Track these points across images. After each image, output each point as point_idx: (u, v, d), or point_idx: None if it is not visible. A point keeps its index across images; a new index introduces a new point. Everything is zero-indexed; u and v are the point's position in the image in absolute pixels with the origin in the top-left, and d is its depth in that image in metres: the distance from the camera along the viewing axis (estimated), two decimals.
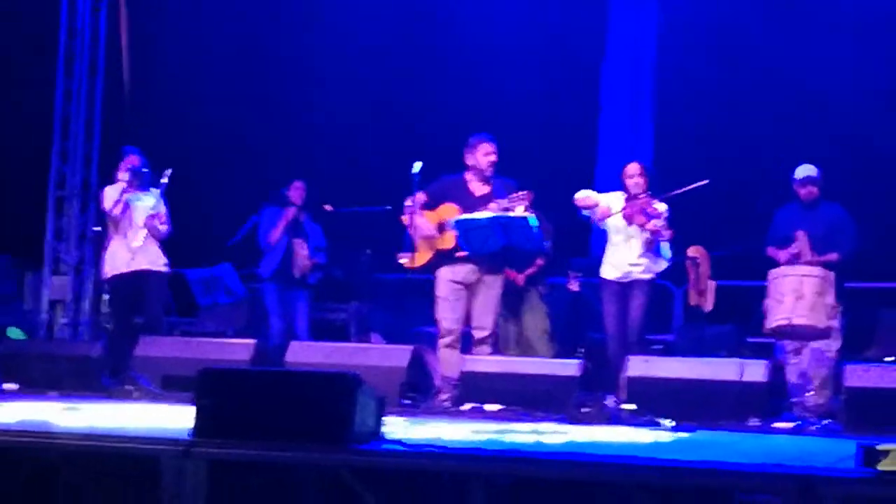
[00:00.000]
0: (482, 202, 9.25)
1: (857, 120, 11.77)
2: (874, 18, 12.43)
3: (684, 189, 9.45)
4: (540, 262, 10.26)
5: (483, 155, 9.37)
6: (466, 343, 9.39)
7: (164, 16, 13.85)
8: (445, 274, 9.37)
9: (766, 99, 12.85)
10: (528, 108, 13.47)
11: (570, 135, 13.17)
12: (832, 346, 8.89)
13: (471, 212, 9.19)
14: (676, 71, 13.54)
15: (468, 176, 9.47)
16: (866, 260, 9.43)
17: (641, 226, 9.23)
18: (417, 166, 9.54)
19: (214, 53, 14.19)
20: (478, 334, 9.35)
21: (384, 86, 13.99)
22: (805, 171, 9.31)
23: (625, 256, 9.37)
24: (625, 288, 9.34)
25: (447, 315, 9.34)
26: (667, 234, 9.20)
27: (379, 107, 13.83)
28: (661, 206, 9.29)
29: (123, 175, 10.23)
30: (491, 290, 9.39)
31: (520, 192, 9.09)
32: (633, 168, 9.51)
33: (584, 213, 9.53)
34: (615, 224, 9.42)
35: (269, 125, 14.27)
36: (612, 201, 9.43)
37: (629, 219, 9.31)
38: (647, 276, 9.31)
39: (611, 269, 9.46)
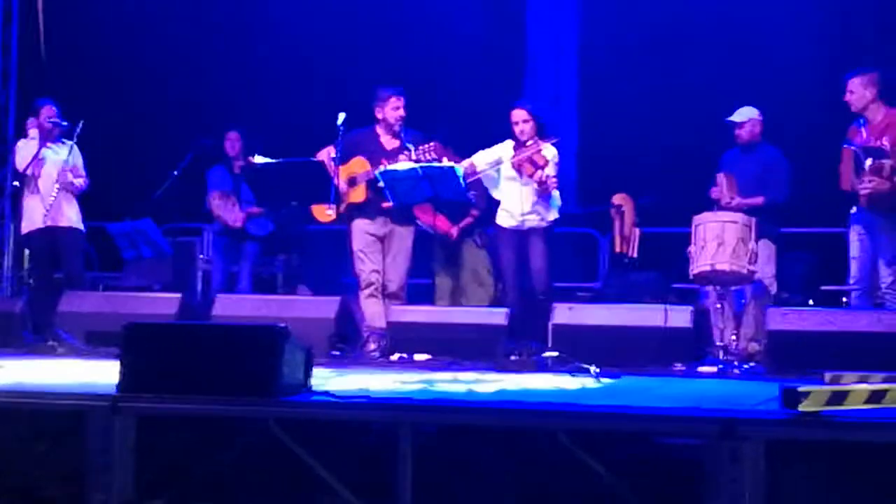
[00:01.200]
0: (392, 155, 9.37)
1: (789, 69, 11.83)
2: None
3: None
4: (474, 213, 10.29)
5: (392, 109, 9.47)
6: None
7: None
8: (359, 226, 9.51)
9: (696, 40, 12.85)
10: (453, 59, 13.45)
11: (496, 84, 13.13)
12: (762, 291, 9.03)
13: (378, 165, 9.26)
14: (601, 13, 13.54)
15: (378, 129, 9.58)
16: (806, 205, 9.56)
17: (530, 175, 9.27)
18: (342, 117, 9.56)
19: None
20: (389, 287, 9.49)
21: (312, 34, 13.88)
22: (738, 114, 9.38)
23: (518, 205, 9.40)
24: (521, 237, 9.39)
25: (364, 267, 9.49)
26: (552, 182, 9.25)
27: (305, 57, 13.73)
28: (549, 153, 9.30)
29: (33, 132, 10.15)
30: (403, 242, 9.55)
31: (427, 144, 9.17)
32: (517, 114, 9.42)
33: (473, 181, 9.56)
34: (507, 172, 9.42)
35: (192, 74, 14.12)
36: (503, 151, 9.47)
37: (518, 169, 9.34)
38: (543, 224, 9.37)
39: (506, 216, 9.48)
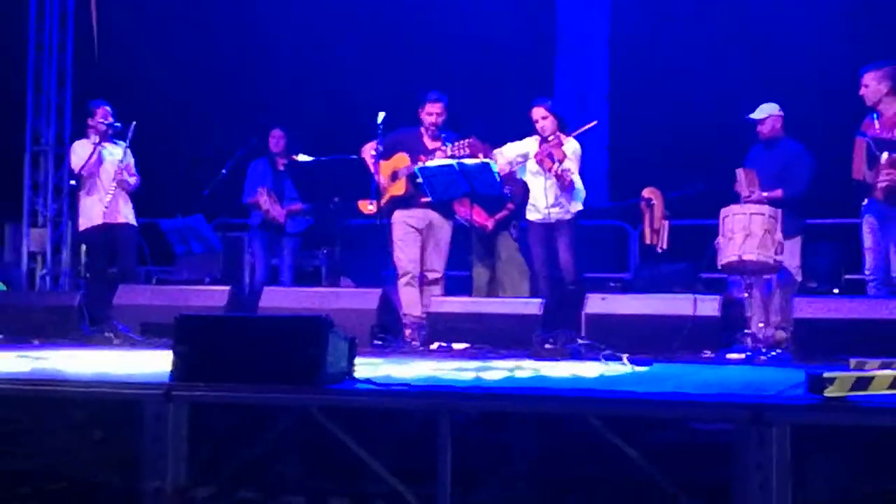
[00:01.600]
0: (432, 153, 9.47)
1: (815, 64, 11.77)
2: None
3: (580, 129, 9.55)
4: (510, 206, 10.29)
5: (426, 114, 9.61)
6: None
7: None
8: (399, 217, 9.62)
9: (723, 36, 12.82)
10: (487, 57, 13.46)
11: (527, 80, 13.12)
12: (789, 280, 9.00)
13: (417, 162, 9.34)
14: (632, 14, 13.52)
15: (422, 129, 9.68)
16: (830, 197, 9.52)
17: (548, 170, 9.30)
18: (381, 116, 9.65)
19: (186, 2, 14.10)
20: (429, 276, 9.63)
21: (353, 37, 13.91)
22: (758, 111, 9.39)
23: (543, 199, 9.44)
24: (548, 230, 9.43)
25: (402, 256, 9.61)
26: (568, 175, 9.27)
27: (345, 57, 13.76)
28: (570, 147, 9.34)
29: (94, 131, 10.20)
30: (441, 234, 9.65)
31: (463, 140, 9.22)
32: (536, 112, 9.57)
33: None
34: (531, 167, 9.54)
35: (241, 75, 14.20)
36: (529, 146, 9.51)
37: (540, 163, 9.41)
38: (568, 217, 9.38)
39: (533, 211, 9.62)
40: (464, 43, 13.38)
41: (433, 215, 9.62)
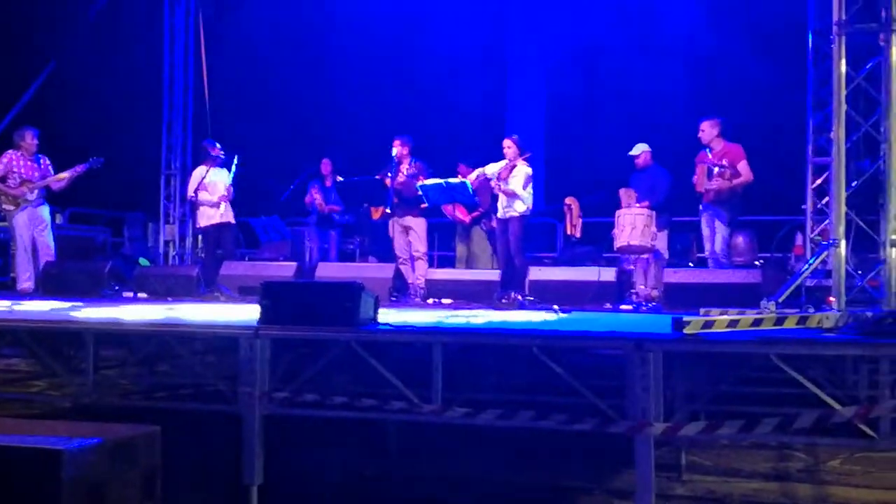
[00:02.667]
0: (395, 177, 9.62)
1: (676, 118, 11.82)
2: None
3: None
4: (481, 209, 10.30)
5: (393, 148, 9.68)
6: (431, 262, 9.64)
7: (228, 46, 13.62)
8: (393, 222, 9.73)
9: (617, 104, 12.88)
10: (464, 112, 13.49)
11: (483, 127, 13.15)
12: (659, 257, 9.04)
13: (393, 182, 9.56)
14: (563, 80, 13.57)
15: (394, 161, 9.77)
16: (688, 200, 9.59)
17: (496, 187, 9.33)
18: (395, 150, 9.63)
19: (266, 65, 14.05)
20: (416, 255, 9.66)
21: (374, 95, 13.93)
22: (635, 148, 9.51)
23: (501, 203, 9.40)
24: (503, 223, 9.41)
25: (395, 246, 9.73)
26: (506, 189, 9.22)
27: (372, 107, 13.78)
28: (522, 170, 9.25)
29: (211, 162, 10.13)
30: (418, 227, 9.67)
31: (412, 168, 9.57)
32: (505, 143, 9.45)
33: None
34: (495, 183, 9.45)
35: (303, 120, 14.19)
36: (496, 168, 9.41)
37: (496, 184, 9.37)
38: (515, 215, 9.29)
39: (498, 212, 9.50)
40: (441, 102, 13.40)
41: (409, 219, 9.67)
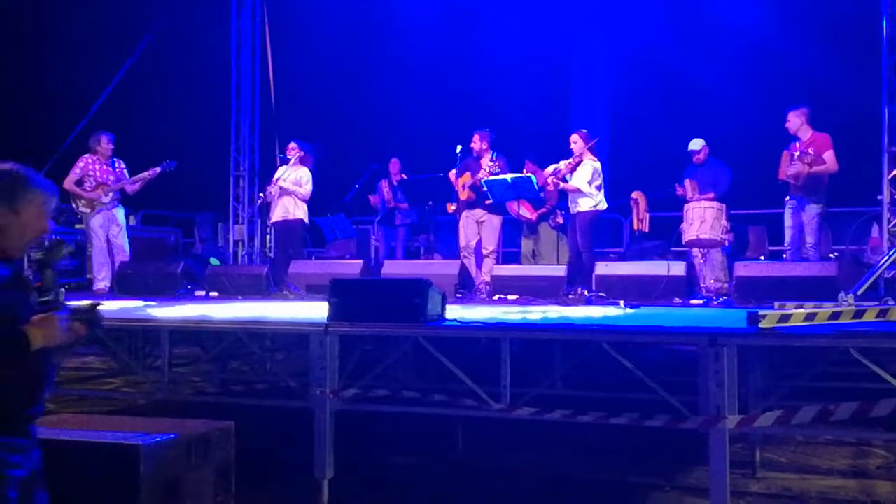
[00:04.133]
0: (476, 172, 9.45)
1: (740, 113, 11.60)
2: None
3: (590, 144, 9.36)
4: (549, 205, 10.21)
5: (472, 144, 9.51)
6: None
7: (294, 47, 13.77)
8: (465, 214, 9.55)
9: (681, 100, 12.70)
10: (529, 108, 13.43)
11: (547, 128, 13.09)
12: (726, 251, 8.88)
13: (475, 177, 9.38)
14: (626, 77, 13.44)
15: (474, 156, 9.63)
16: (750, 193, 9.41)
17: (556, 185, 9.23)
18: (459, 148, 9.63)
19: (331, 66, 14.19)
20: (485, 252, 9.50)
21: (439, 94, 13.96)
22: (694, 143, 9.34)
23: (570, 198, 9.30)
24: (573, 217, 9.30)
25: (462, 237, 9.61)
26: (568, 186, 9.11)
27: (436, 108, 13.79)
28: (589, 164, 9.12)
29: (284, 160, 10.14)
30: (492, 223, 9.49)
31: (494, 162, 9.36)
32: (572, 137, 9.35)
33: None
34: (553, 181, 9.37)
35: (367, 120, 14.29)
36: (561, 164, 9.32)
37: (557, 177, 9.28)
38: (581, 209, 9.18)
39: (570, 207, 9.40)
40: (507, 100, 13.34)
41: (488, 213, 9.50)
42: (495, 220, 9.59)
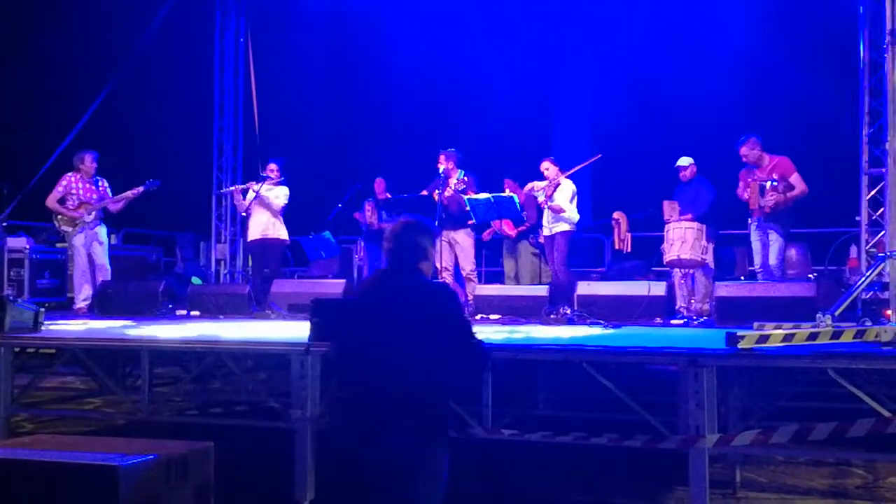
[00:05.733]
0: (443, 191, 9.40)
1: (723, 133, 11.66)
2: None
3: (581, 165, 9.46)
4: (528, 223, 10.23)
5: (438, 164, 9.50)
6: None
7: (277, 68, 13.77)
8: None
9: (663, 120, 12.76)
10: (510, 126, 13.48)
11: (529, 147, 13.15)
12: (709, 271, 8.90)
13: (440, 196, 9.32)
14: (608, 103, 13.51)
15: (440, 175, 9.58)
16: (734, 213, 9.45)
17: (543, 204, 9.31)
18: (442, 168, 9.61)
19: (314, 86, 14.18)
20: (464, 273, 9.49)
21: (421, 115, 13.97)
22: (682, 160, 9.29)
23: (547, 219, 9.34)
24: (550, 239, 9.34)
25: (438, 261, 9.40)
26: (552, 205, 9.18)
27: (419, 127, 13.81)
28: (567, 186, 9.19)
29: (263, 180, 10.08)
30: (464, 244, 9.48)
31: (461, 181, 9.38)
32: (543, 164, 9.42)
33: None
34: (540, 198, 9.42)
35: (351, 139, 14.29)
36: (542, 184, 9.37)
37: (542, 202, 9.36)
38: (560, 230, 9.22)
39: (544, 229, 9.45)
40: (488, 118, 13.38)
41: (455, 233, 9.45)
42: (466, 240, 9.56)
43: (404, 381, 3.26)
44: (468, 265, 9.50)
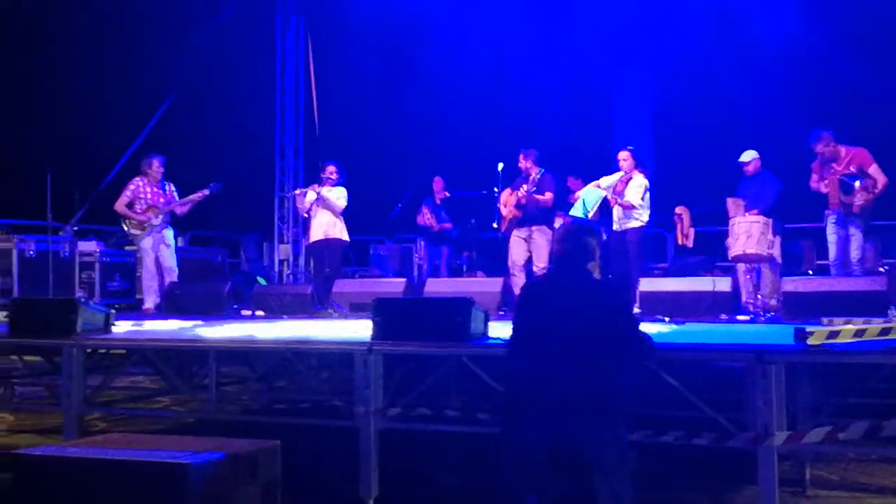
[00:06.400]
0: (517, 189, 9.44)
1: (786, 125, 11.43)
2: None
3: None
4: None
5: (519, 164, 9.55)
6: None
7: (337, 69, 13.89)
8: (514, 232, 9.52)
9: (724, 114, 12.56)
10: (571, 123, 13.39)
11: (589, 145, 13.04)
12: (776, 266, 8.73)
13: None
14: (670, 95, 13.34)
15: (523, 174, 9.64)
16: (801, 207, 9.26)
17: (613, 200, 9.14)
18: (501, 166, 9.62)
19: (373, 87, 14.26)
20: (536, 269, 9.42)
21: (481, 113, 13.95)
22: (745, 155, 9.12)
23: (617, 215, 9.20)
24: (621, 235, 9.19)
25: (511, 256, 9.49)
26: (623, 201, 9.01)
27: (478, 126, 13.79)
28: (638, 181, 9.04)
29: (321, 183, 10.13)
30: (540, 240, 9.41)
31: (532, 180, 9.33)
32: (621, 154, 9.26)
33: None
34: (612, 197, 9.27)
35: (410, 139, 14.32)
36: (612, 179, 9.23)
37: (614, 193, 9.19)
38: (631, 226, 9.06)
39: (614, 224, 9.29)
40: (548, 116, 13.30)
41: (533, 229, 9.45)
42: (542, 238, 9.53)
43: (588, 373, 3.69)
44: (542, 261, 9.48)
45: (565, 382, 3.69)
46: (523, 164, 9.52)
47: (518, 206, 9.42)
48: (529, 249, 9.48)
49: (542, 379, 3.73)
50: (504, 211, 9.60)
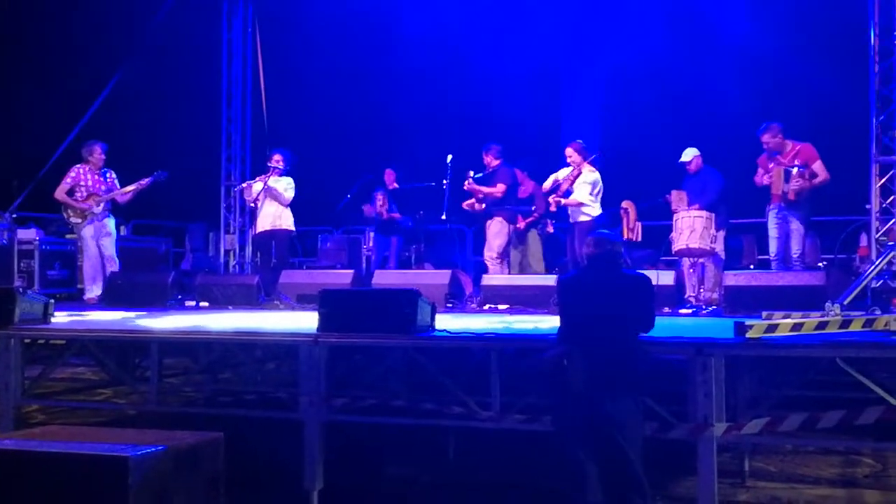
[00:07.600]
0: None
1: (732, 122, 11.62)
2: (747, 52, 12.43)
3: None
4: (536, 214, 10.20)
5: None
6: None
7: (285, 58, 13.73)
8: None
9: (669, 110, 12.71)
10: (519, 118, 13.42)
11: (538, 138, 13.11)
12: (718, 260, 8.88)
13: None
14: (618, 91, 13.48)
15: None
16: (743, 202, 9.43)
17: (562, 194, 9.22)
18: (449, 158, 9.66)
19: (322, 77, 14.13)
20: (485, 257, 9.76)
21: (429, 105, 13.92)
22: (685, 154, 9.24)
23: (570, 208, 9.27)
24: (572, 226, 9.27)
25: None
26: (568, 201, 9.09)
27: (426, 118, 13.77)
28: (589, 175, 9.13)
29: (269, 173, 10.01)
30: (494, 229, 9.64)
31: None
32: (567, 150, 9.32)
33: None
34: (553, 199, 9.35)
35: (358, 130, 14.25)
36: (562, 175, 9.30)
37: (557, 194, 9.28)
38: (580, 220, 9.15)
39: (570, 216, 9.37)
40: (497, 110, 13.32)
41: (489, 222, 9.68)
42: (495, 227, 9.85)
43: (620, 351, 4.38)
44: (490, 251, 9.74)
45: (605, 361, 4.32)
46: (486, 160, 9.75)
47: (478, 199, 9.66)
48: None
49: (589, 359, 4.33)
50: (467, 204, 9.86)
